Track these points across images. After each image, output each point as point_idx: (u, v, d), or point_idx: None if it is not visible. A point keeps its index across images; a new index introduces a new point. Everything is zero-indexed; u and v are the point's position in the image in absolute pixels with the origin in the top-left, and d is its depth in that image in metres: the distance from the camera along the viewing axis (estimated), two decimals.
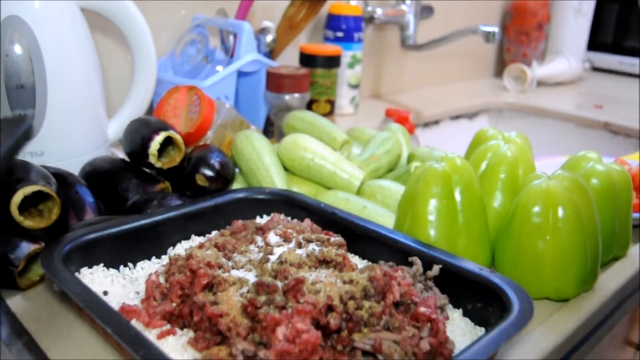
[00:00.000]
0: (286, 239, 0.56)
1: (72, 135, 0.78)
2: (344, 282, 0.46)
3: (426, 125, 1.47)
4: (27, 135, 0.31)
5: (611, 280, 0.67)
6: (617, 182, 0.68)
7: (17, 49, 0.72)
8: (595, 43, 2.11)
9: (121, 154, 0.88)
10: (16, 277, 0.56)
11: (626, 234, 0.71)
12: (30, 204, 0.58)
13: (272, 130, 1.00)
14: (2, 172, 0.27)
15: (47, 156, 0.76)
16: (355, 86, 1.32)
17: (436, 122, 1.50)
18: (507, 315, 0.47)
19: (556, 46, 2.00)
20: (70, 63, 0.77)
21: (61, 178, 0.66)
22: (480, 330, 0.52)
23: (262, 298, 0.45)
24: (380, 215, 0.68)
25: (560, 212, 0.59)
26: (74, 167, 0.74)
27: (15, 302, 0.55)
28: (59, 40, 0.76)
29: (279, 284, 0.46)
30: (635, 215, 0.79)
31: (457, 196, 0.61)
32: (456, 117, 1.56)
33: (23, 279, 0.57)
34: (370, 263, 0.59)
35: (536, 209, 0.59)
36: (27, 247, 0.57)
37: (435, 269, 0.54)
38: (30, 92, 0.74)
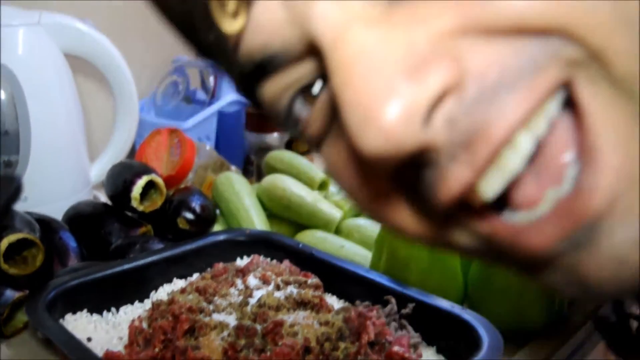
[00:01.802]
0: (265, 281, 0.57)
1: (55, 180, 0.80)
2: (321, 324, 0.48)
3: None
4: (18, 193, 0.33)
5: (580, 310, 0.70)
6: None
7: (2, 95, 0.74)
8: None
9: (103, 196, 0.89)
10: (0, 325, 0.57)
11: None
12: (15, 251, 0.59)
13: (251, 169, 1.02)
14: None
15: (31, 201, 0.77)
16: None
17: None
18: (478, 351, 0.50)
19: None
20: (53, 108, 0.80)
21: (45, 224, 0.68)
22: None
23: (242, 342, 0.47)
24: (357, 254, 0.71)
25: None
26: (57, 211, 0.76)
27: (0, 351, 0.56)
28: (43, 86, 0.79)
29: (258, 327, 0.48)
30: None
31: None
32: None
33: (7, 326, 0.58)
34: (347, 302, 0.61)
35: None
36: (11, 295, 0.58)
37: (409, 308, 0.56)
38: (14, 138, 0.75)
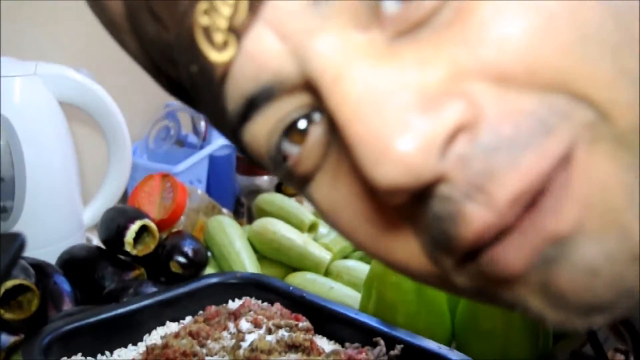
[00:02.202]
0: (257, 325, 0.59)
1: (49, 224, 0.82)
2: None
3: None
4: (21, 249, 0.35)
5: (564, 349, 0.71)
6: None
7: None
8: None
9: (96, 239, 0.91)
10: None
11: None
12: (10, 296, 0.60)
13: (242, 211, 1.04)
14: (3, 282, 0.31)
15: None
16: None
17: None
18: None
19: None
20: (48, 155, 0.81)
21: (39, 269, 0.69)
22: None
23: None
24: (346, 295, 0.72)
25: None
26: (51, 254, 0.77)
27: None
28: (39, 134, 0.81)
29: None
30: None
31: None
32: None
33: None
34: (337, 344, 0.63)
35: None
36: (7, 340, 0.59)
37: (397, 349, 0.58)
38: (10, 184, 0.77)
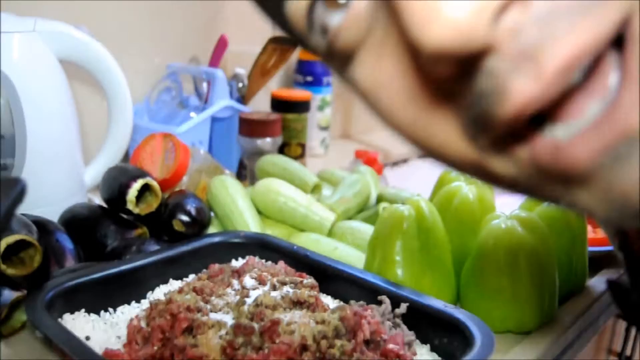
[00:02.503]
0: (261, 281, 0.58)
1: (51, 183, 0.81)
2: (317, 323, 0.49)
3: (395, 164, 1.51)
4: (22, 195, 0.34)
5: (570, 312, 0.71)
6: (572, 219, 0.73)
7: None
8: None
9: (98, 200, 0.90)
10: None
11: (583, 267, 0.76)
12: (12, 252, 0.60)
13: (245, 173, 1.03)
14: (2, 230, 0.30)
15: (26, 204, 0.77)
16: (325, 128, 1.36)
17: (405, 161, 1.54)
18: (470, 349, 0.51)
19: None
20: (49, 113, 0.80)
21: (41, 226, 0.68)
22: None
23: (240, 340, 0.48)
24: (350, 256, 0.72)
25: (518, 250, 0.63)
26: (52, 213, 0.76)
27: None
28: (38, 91, 0.79)
29: (256, 325, 0.49)
30: (591, 249, 0.83)
31: (422, 236, 0.65)
32: (424, 156, 1.61)
33: (5, 326, 0.58)
34: (341, 302, 0.62)
35: (495, 247, 0.63)
36: (9, 295, 0.58)
37: (403, 307, 0.57)
38: (10, 141, 0.76)
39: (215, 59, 1.11)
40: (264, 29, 1.31)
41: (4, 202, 0.31)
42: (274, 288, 0.57)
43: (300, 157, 1.16)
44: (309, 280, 0.58)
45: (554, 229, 0.70)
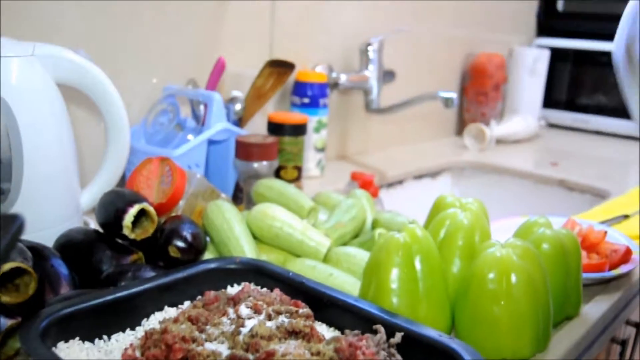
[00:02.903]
0: (257, 310, 0.58)
1: (47, 207, 0.81)
2: (312, 354, 0.49)
3: (390, 185, 1.52)
4: (21, 230, 0.34)
5: (564, 339, 0.71)
6: (567, 245, 0.73)
7: None
8: (550, 100, 2.22)
9: (93, 222, 0.90)
10: None
11: (577, 294, 0.76)
12: (7, 279, 0.60)
13: (241, 196, 1.03)
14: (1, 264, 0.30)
15: None
16: (321, 149, 1.37)
17: (400, 182, 1.55)
18: None
19: (513, 105, 2.10)
20: (46, 136, 0.80)
21: (36, 251, 0.68)
22: None
23: None
24: (346, 282, 0.72)
25: (513, 278, 0.63)
26: (48, 237, 0.76)
27: None
28: (36, 115, 0.79)
29: (251, 357, 0.49)
30: (586, 275, 0.83)
31: (418, 264, 0.65)
32: (419, 177, 1.62)
33: None
34: (336, 331, 0.62)
35: (491, 275, 0.64)
36: (4, 323, 0.58)
37: (398, 337, 0.57)
38: (7, 166, 0.76)
39: (213, 82, 1.12)
40: (262, 52, 1.33)
41: (3, 239, 0.31)
42: (269, 318, 0.57)
43: (296, 179, 1.16)
44: (305, 310, 0.58)
45: (548, 256, 0.71)
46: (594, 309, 0.80)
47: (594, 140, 2.08)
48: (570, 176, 1.57)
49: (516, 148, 1.91)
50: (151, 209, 0.73)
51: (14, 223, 0.32)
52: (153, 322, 0.64)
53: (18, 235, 0.33)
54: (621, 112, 2.04)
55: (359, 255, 0.78)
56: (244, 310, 0.58)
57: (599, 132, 2.13)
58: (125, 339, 0.61)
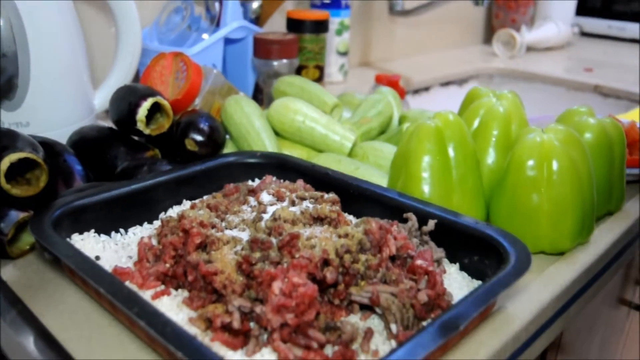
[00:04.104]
0: (279, 197, 0.55)
1: (58, 105, 0.77)
2: (340, 237, 0.46)
3: (416, 92, 1.46)
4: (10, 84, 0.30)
5: (606, 234, 0.67)
6: (611, 135, 0.68)
7: None
8: (584, 8, 2.10)
9: (107, 125, 0.87)
10: (5, 246, 0.55)
11: (621, 188, 0.71)
12: (18, 172, 0.57)
13: (261, 97, 0.99)
14: None
15: (33, 127, 0.75)
16: (343, 53, 1.30)
17: (426, 89, 1.49)
18: (504, 266, 0.47)
19: (545, 11, 1.99)
20: (52, 31, 0.76)
21: (48, 147, 0.65)
22: (477, 284, 0.52)
23: (257, 254, 0.45)
24: (373, 175, 0.68)
25: (554, 164, 0.58)
26: (60, 137, 0.73)
27: (6, 271, 0.54)
28: (41, 8, 0.75)
29: (274, 240, 0.46)
30: (630, 171, 0.78)
31: (451, 152, 0.61)
32: (446, 84, 1.55)
33: (13, 247, 0.56)
34: None
35: (530, 162, 0.59)
36: (15, 215, 0.56)
37: (431, 224, 0.54)
38: (13, 60, 0.72)
39: None
40: None
41: None
42: (292, 204, 0.53)
43: (318, 80, 1.11)
44: (331, 195, 0.54)
45: (591, 144, 0.65)
46: (636, 206, 0.75)
47: (631, 48, 1.97)
48: (605, 81, 1.48)
49: (547, 56, 1.81)
50: (166, 103, 0.69)
51: None
52: (171, 215, 0.61)
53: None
54: None
55: (387, 149, 0.74)
56: (265, 197, 0.54)
57: (636, 40, 2.02)
58: (142, 232, 0.59)
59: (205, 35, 0.99)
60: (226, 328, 0.41)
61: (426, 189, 0.60)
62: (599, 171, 0.66)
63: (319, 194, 0.54)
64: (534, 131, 0.61)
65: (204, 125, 0.68)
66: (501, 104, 0.67)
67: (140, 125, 0.68)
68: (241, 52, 1.02)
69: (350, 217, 0.60)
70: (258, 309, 0.41)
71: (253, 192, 0.60)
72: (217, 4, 1.02)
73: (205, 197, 0.63)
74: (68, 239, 0.54)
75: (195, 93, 0.77)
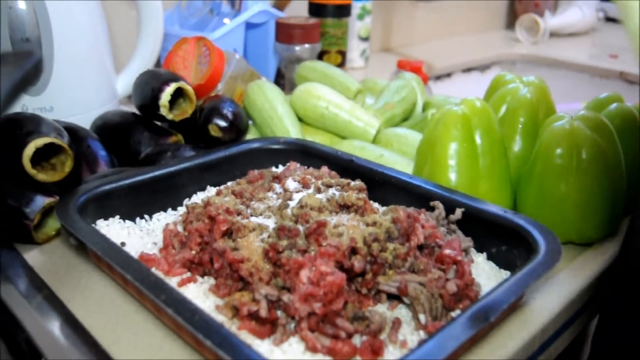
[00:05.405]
0: (305, 184, 0.54)
1: (81, 90, 0.77)
2: (367, 225, 0.45)
3: (438, 78, 1.44)
4: (37, 68, 0.29)
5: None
6: None
7: (21, 2, 0.71)
8: None
9: (130, 110, 0.86)
10: (32, 231, 0.55)
11: None
12: (43, 157, 0.57)
13: (283, 82, 0.98)
14: (11, 102, 0.26)
15: (57, 112, 0.75)
16: (365, 39, 1.29)
17: (448, 75, 1.47)
18: (534, 257, 0.46)
19: None
20: (75, 16, 0.76)
21: (72, 132, 0.65)
22: (505, 274, 0.51)
23: (284, 242, 0.44)
24: (397, 162, 0.67)
25: (584, 153, 0.57)
26: (84, 123, 0.73)
27: (32, 257, 0.54)
28: None
29: (301, 227, 0.45)
30: None
31: (477, 139, 0.60)
32: (468, 70, 1.53)
33: (39, 233, 0.56)
34: None
35: (559, 150, 0.58)
36: (41, 201, 0.56)
37: (458, 213, 0.53)
38: (36, 45, 0.72)
39: None
40: None
41: (16, 72, 0.27)
42: (318, 191, 0.53)
43: (340, 65, 1.10)
44: (357, 182, 0.54)
45: (622, 132, 0.64)
46: None
47: None
48: (631, 68, 1.45)
49: (571, 41, 1.78)
50: (189, 88, 0.68)
51: (28, 59, 0.28)
52: (195, 201, 0.61)
53: (33, 73, 0.28)
54: None
55: (412, 136, 0.73)
56: (291, 184, 0.54)
57: None
58: (167, 218, 0.58)
59: (226, 20, 0.99)
60: (253, 316, 0.41)
61: (453, 176, 0.59)
62: (629, 159, 0.64)
63: (345, 181, 0.54)
64: (562, 118, 0.60)
65: (227, 111, 0.68)
66: (528, 91, 0.66)
67: (164, 111, 0.68)
68: (262, 36, 1.01)
69: (376, 205, 0.59)
70: (285, 297, 0.41)
71: (277, 178, 0.59)
72: None
73: (229, 184, 0.63)
74: (93, 225, 0.54)
75: (218, 78, 0.77)
